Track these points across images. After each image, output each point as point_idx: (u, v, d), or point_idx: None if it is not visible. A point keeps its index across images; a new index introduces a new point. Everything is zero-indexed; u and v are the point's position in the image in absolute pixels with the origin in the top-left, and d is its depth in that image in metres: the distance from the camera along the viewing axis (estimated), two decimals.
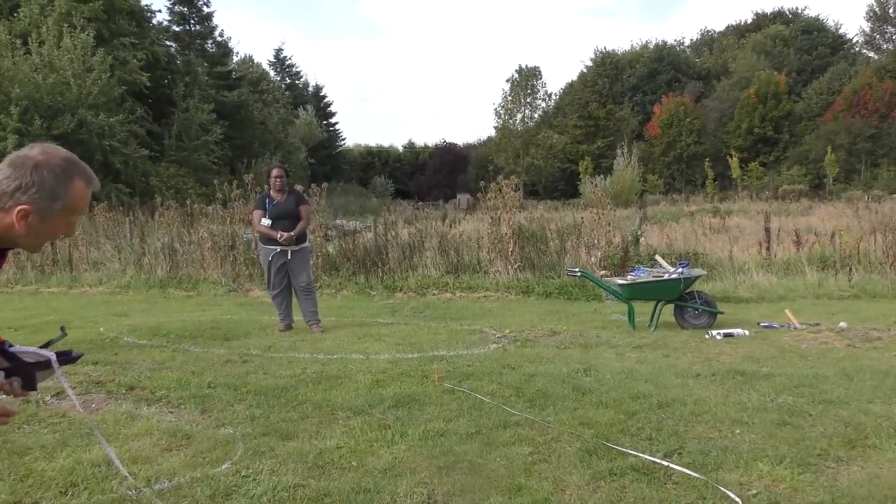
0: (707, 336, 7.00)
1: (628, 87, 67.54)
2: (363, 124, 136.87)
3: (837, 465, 3.53)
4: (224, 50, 48.83)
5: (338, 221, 17.36)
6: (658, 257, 9.07)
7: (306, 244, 8.10)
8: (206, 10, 47.12)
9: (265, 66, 62.65)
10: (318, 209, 12.59)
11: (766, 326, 7.57)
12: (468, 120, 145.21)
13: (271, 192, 7.89)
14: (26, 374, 2.04)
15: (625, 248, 11.48)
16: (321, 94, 69.76)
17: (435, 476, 3.47)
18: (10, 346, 2.05)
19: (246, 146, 43.96)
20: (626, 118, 62.92)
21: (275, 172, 7.94)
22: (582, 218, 12.77)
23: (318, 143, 59.38)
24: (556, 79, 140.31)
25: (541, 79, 65.16)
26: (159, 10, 40.24)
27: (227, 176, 32.02)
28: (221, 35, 49.04)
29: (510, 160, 60.23)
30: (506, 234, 11.76)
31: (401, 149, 77.84)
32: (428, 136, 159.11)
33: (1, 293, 12.74)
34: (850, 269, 10.80)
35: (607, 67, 68.47)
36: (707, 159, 53.02)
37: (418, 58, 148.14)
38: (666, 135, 58.13)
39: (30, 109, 25.48)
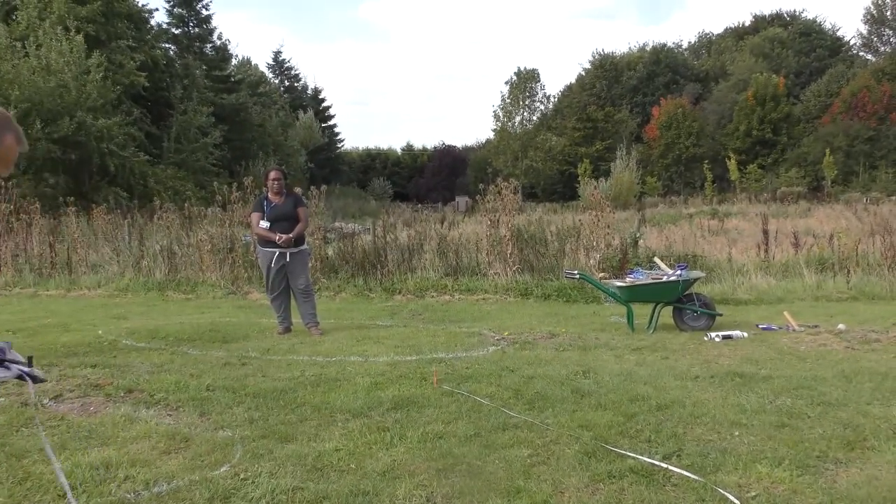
0: (706, 338, 7.00)
1: (627, 90, 67.64)
2: (362, 127, 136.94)
3: (836, 466, 3.53)
4: (223, 53, 48.86)
5: (336, 224, 17.37)
6: (657, 259, 9.08)
7: (305, 246, 8.11)
8: (204, 13, 47.19)
9: (264, 69, 62.67)
10: (317, 211, 12.59)
11: (764, 328, 7.58)
12: (467, 122, 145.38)
13: (269, 195, 7.89)
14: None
15: (623, 251, 11.48)
16: (320, 96, 69.82)
17: (434, 478, 3.46)
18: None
19: (245, 149, 43.99)
20: (625, 120, 63.01)
21: (273, 175, 7.94)
22: (581, 220, 12.78)
23: (317, 145, 59.39)
24: (555, 81, 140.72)
25: (539, 81, 65.22)
26: (156, 10, 40.44)
27: (225, 178, 32.06)
28: (220, 38, 49.15)
29: (509, 162, 60.23)
30: (504, 236, 11.76)
31: (399, 151, 77.93)
32: (427, 138, 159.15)
33: (0, 296, 12.74)
34: (849, 272, 10.81)
35: (606, 70, 68.56)
36: (706, 161, 53.14)
37: (417, 60, 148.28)
38: (664, 137, 58.22)
39: (30, 112, 25.45)
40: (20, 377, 2.19)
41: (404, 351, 6.65)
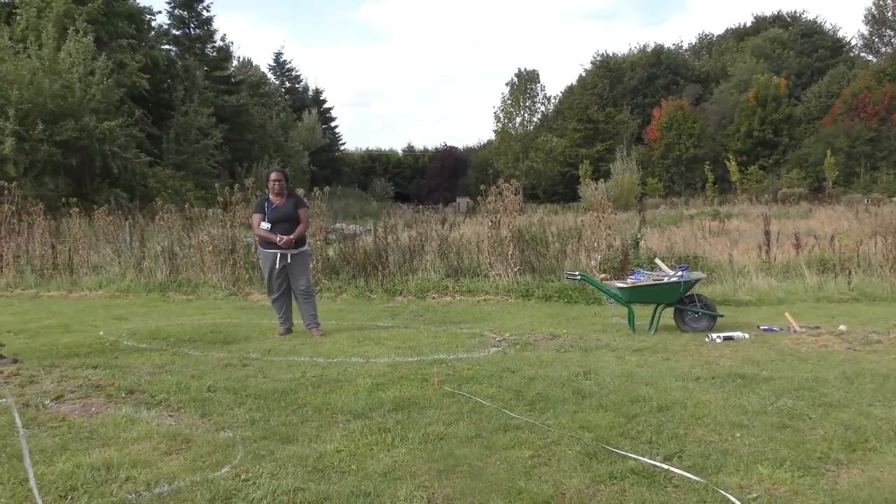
0: (707, 339, 7.00)
1: (627, 90, 67.65)
2: (363, 128, 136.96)
3: (838, 468, 3.53)
4: (224, 54, 48.91)
5: (338, 225, 17.37)
6: (658, 260, 9.07)
7: (306, 248, 8.10)
8: (205, 14, 47.24)
9: (265, 70, 62.73)
10: (319, 213, 12.59)
11: (766, 330, 7.57)
12: (468, 123, 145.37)
13: (270, 196, 7.90)
14: None
15: (625, 252, 11.48)
16: (321, 97, 69.87)
17: (435, 480, 3.47)
18: None
19: (246, 150, 44.03)
20: (626, 121, 63.01)
21: (273, 176, 7.93)
22: (582, 221, 12.77)
23: (318, 147, 59.44)
24: (556, 82, 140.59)
25: (539, 82, 65.23)
26: (159, 12, 40.33)
27: (226, 179, 32.08)
28: (222, 39, 49.20)
29: (510, 164, 60.24)
30: (506, 237, 11.76)
31: (400, 152, 77.95)
32: (428, 139, 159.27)
33: (2, 297, 12.73)
34: (850, 273, 10.80)
35: (609, 70, 68.55)
36: (706, 162, 53.12)
37: (418, 61, 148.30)
38: (665, 138, 58.19)
39: (31, 113, 25.44)
40: None
41: (405, 352, 6.65)
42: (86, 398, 5.07)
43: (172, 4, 45.99)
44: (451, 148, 74.63)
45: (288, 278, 7.87)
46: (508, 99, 64.38)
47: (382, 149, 77.83)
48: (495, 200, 11.98)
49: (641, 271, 8.44)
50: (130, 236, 15.11)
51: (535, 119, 65.65)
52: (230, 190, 13.40)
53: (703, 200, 44.74)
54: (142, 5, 38.47)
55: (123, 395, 5.12)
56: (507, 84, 66.37)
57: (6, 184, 15.47)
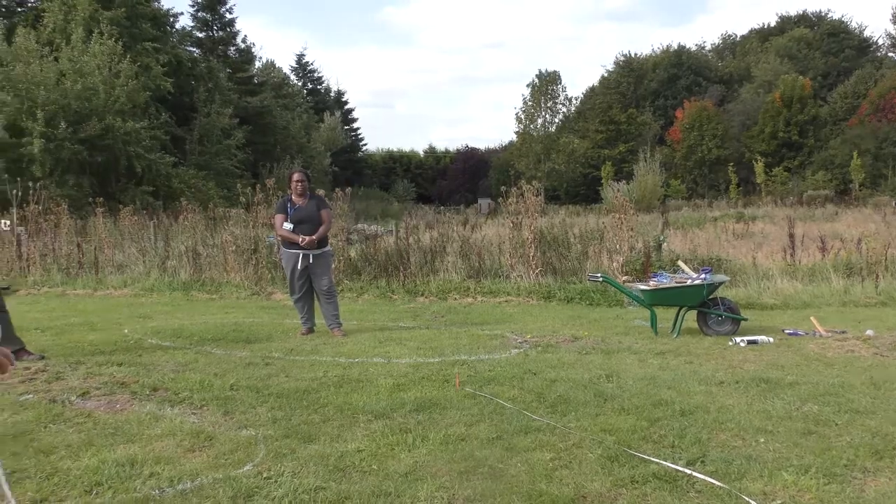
0: (731, 343, 6.93)
1: (649, 91, 67.19)
2: (384, 129, 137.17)
3: (864, 475, 3.47)
4: (246, 56, 49.28)
5: (359, 226, 17.43)
6: (681, 263, 9.00)
7: (328, 248, 8.14)
8: (228, 16, 47.63)
9: (287, 72, 63.09)
10: (341, 213, 12.64)
11: (790, 334, 7.49)
12: (489, 125, 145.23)
13: (293, 197, 7.94)
14: None
15: (647, 254, 11.41)
16: (343, 99, 70.17)
17: (455, 481, 3.46)
18: None
19: (268, 151, 44.32)
20: (648, 123, 62.59)
21: (296, 177, 7.98)
22: (604, 223, 12.71)
23: (340, 148, 59.70)
24: (577, 84, 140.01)
25: (560, 83, 64.99)
26: (181, 13, 40.84)
27: (249, 180, 32.34)
28: (244, 41, 49.56)
29: (531, 165, 60.05)
30: (527, 238, 11.74)
31: (422, 153, 78.03)
32: (449, 141, 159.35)
33: (28, 294, 12.93)
34: (877, 276, 10.64)
35: (630, 71, 68.16)
36: (731, 164, 52.60)
37: (439, 63, 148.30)
38: (687, 139, 57.71)
39: (57, 114, 25.83)
40: None
41: (427, 353, 6.65)
42: (111, 395, 5.13)
43: (195, 7, 46.45)
44: (473, 149, 74.61)
45: (310, 278, 7.91)
46: (529, 100, 64.18)
47: (404, 150, 78.02)
48: (517, 202, 11.96)
49: (664, 274, 8.38)
50: (155, 236, 15.28)
51: (556, 120, 65.42)
52: (253, 190, 13.50)
53: (727, 202, 44.33)
54: (165, 8, 38.90)
55: (148, 393, 5.17)
56: (528, 85, 66.39)
57: (31, 184, 15.73)
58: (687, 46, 71.38)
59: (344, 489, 3.36)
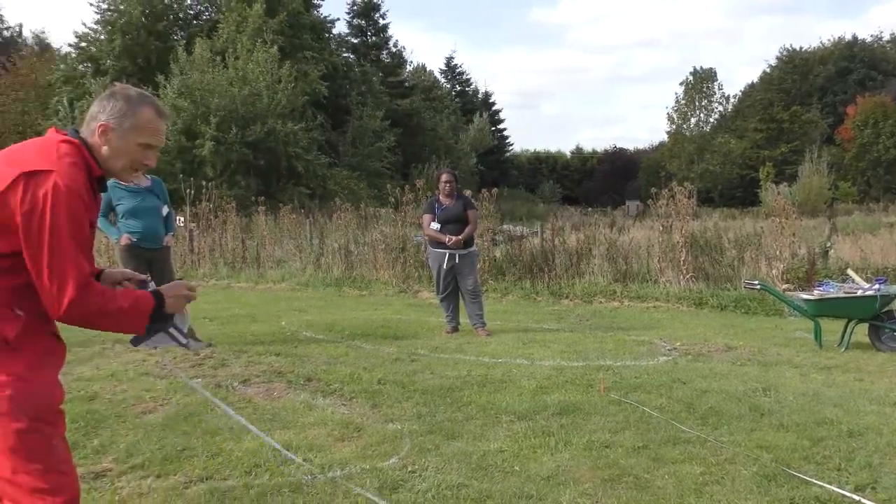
0: None
1: (815, 87, 62.63)
2: (530, 130, 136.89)
3: None
4: (398, 60, 50.77)
5: (505, 226, 17.48)
6: (850, 272, 8.33)
7: (473, 248, 8.22)
8: (381, 22, 49.28)
9: (437, 75, 64.37)
10: (486, 214, 12.73)
11: None
12: (639, 125, 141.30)
13: (440, 197, 8.08)
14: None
15: (811, 261, 10.65)
16: (490, 100, 70.68)
17: (599, 488, 3.39)
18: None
19: (417, 152, 45.45)
20: (814, 121, 58.40)
21: (444, 177, 8.11)
22: (762, 227, 12.01)
23: (486, 148, 60.20)
24: (735, 81, 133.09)
25: (716, 81, 62.16)
26: (338, 19, 42.69)
27: (398, 181, 33.34)
28: (396, 45, 51.07)
29: (683, 166, 57.86)
30: (678, 242, 11.30)
31: (569, 154, 77.15)
32: (597, 141, 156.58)
33: (198, 286, 13.96)
34: None
35: (795, 66, 63.92)
36: None
37: (588, 62, 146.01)
38: (860, 138, 53.29)
39: (226, 119, 27.81)
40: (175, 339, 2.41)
41: (570, 356, 6.56)
42: (269, 383, 5.44)
43: (351, 14, 48.42)
44: (621, 150, 72.88)
45: (456, 278, 8.01)
46: (683, 99, 61.89)
47: (550, 150, 77.48)
48: (667, 204, 11.55)
49: (830, 283, 7.79)
50: (311, 233, 16.07)
51: (711, 119, 62.65)
52: (402, 191, 13.87)
53: None
54: (322, 16, 40.84)
55: (302, 383, 5.44)
56: (681, 84, 63.87)
57: (204, 184, 17.02)
58: (861, 38, 66.00)
59: (486, 488, 3.37)
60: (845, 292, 7.22)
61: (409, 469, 3.63)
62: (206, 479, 3.50)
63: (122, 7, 34.57)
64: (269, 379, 5.55)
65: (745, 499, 3.25)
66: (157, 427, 4.30)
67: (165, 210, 6.93)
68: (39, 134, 2.17)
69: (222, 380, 5.49)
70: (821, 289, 7.49)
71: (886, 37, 71.34)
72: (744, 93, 67.69)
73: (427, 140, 47.55)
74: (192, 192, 16.71)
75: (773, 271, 10.67)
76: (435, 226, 7.94)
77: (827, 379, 5.66)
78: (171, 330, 2.37)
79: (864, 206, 43.04)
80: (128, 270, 2.49)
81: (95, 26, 35.64)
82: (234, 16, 34.45)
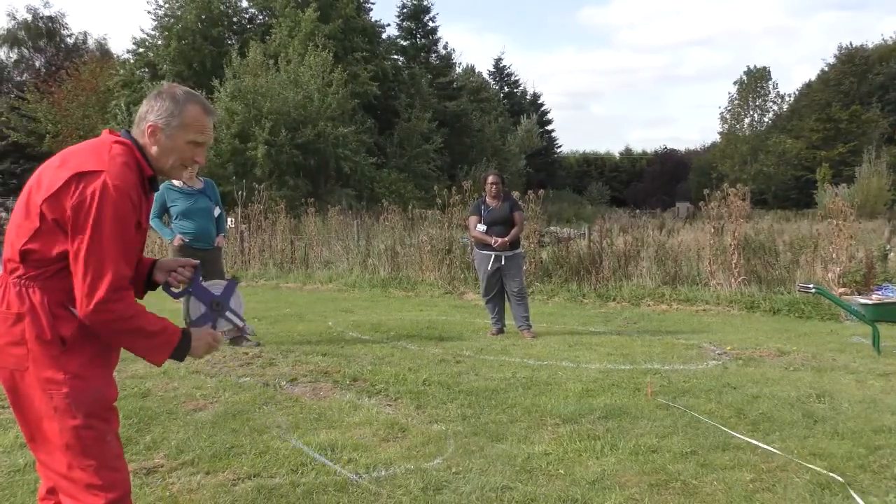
0: None
1: (876, 86, 60.64)
2: (579, 131, 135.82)
3: None
4: (446, 61, 50.86)
5: (552, 228, 17.38)
6: None
7: (519, 250, 8.19)
8: (431, 24, 49.43)
9: (485, 76, 64.30)
10: (533, 215, 12.67)
11: None
12: (690, 125, 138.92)
13: (487, 199, 8.07)
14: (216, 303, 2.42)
15: (870, 265, 10.31)
16: (539, 101, 70.32)
17: (646, 493, 3.34)
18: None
19: (464, 153, 45.45)
20: (875, 120, 56.54)
21: (491, 179, 8.10)
22: (818, 230, 11.69)
23: (534, 150, 59.92)
24: (792, 80, 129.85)
25: (771, 80, 60.66)
26: (388, 24, 42.88)
27: (445, 182, 33.42)
28: (445, 48, 51.19)
29: (736, 167, 56.66)
30: (729, 245, 11.07)
31: (617, 155, 76.29)
32: (647, 142, 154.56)
33: (248, 286, 14.22)
34: None
35: (855, 65, 62.00)
36: None
37: (638, 62, 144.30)
38: None
39: (278, 122, 28.24)
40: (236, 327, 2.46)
41: (617, 359, 6.49)
42: (315, 382, 5.51)
43: (401, 17, 48.69)
44: (672, 150, 71.74)
45: (501, 280, 7.99)
46: (736, 98, 60.61)
47: (599, 152, 76.72)
48: (719, 206, 11.33)
49: (890, 287, 7.55)
50: (358, 235, 16.21)
51: (765, 119, 61.20)
52: (448, 192, 13.89)
53: None
54: (374, 19, 41.20)
55: (348, 382, 5.49)
56: (734, 83, 62.63)
57: (256, 185, 17.31)
58: None
59: (530, 491, 3.35)
60: None
61: (454, 470, 3.63)
62: (254, 477, 3.56)
63: (178, 13, 35.41)
64: (316, 378, 5.62)
65: None
66: (207, 424, 4.39)
67: (217, 211, 7.08)
68: (98, 136, 2.23)
69: (270, 379, 5.58)
70: (879, 293, 7.28)
71: None
72: (800, 92, 65.96)
73: (474, 141, 47.49)
74: (244, 193, 17.00)
75: (830, 275, 10.36)
76: (481, 227, 7.94)
77: (885, 385, 5.48)
78: (229, 314, 2.42)
79: None
80: (180, 258, 2.54)
81: (153, 32, 36.59)
82: (288, 21, 34.99)
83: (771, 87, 61.23)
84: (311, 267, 15.47)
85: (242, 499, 3.31)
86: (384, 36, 43.77)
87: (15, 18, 48.13)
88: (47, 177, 2.08)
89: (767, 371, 5.99)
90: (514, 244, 7.96)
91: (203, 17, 35.66)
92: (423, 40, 49.68)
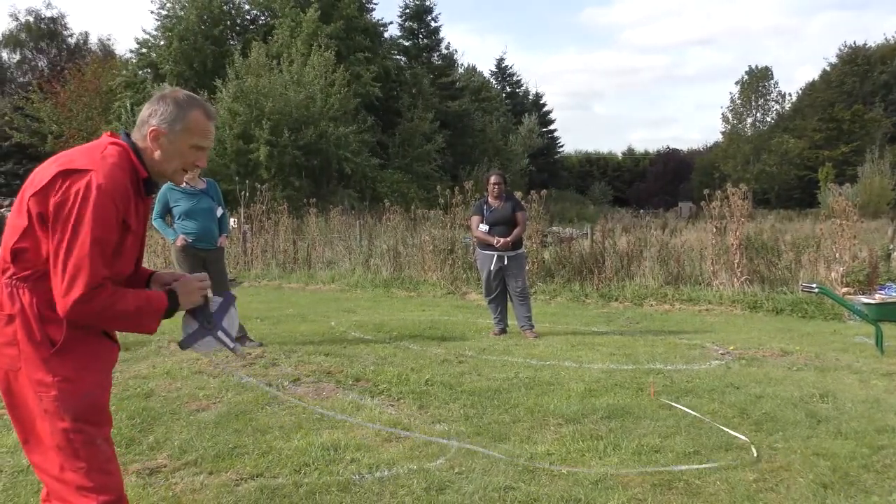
0: None
1: (879, 85, 60.52)
2: (581, 131, 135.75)
3: None
4: (449, 62, 50.82)
5: (554, 228, 17.36)
6: None
7: (522, 250, 8.18)
8: (433, 24, 49.41)
9: (487, 76, 64.26)
10: (536, 215, 12.67)
11: None
12: (692, 125, 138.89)
13: (489, 199, 8.07)
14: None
15: (873, 264, 10.30)
16: (541, 101, 70.27)
17: (649, 493, 3.34)
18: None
19: (466, 153, 45.43)
20: (877, 120, 56.44)
21: (493, 179, 8.09)
22: (821, 229, 11.68)
23: (536, 150, 59.89)
24: (795, 79, 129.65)
25: (773, 79, 60.61)
26: (391, 23, 42.76)
27: (448, 182, 33.42)
28: (447, 48, 51.14)
29: (738, 167, 56.61)
30: (732, 244, 11.06)
31: (620, 155, 76.23)
32: (649, 142, 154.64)
33: (250, 286, 14.23)
34: None
35: (857, 64, 61.89)
36: None
37: (641, 63, 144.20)
38: None
39: (280, 123, 28.24)
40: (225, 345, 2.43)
41: (620, 359, 6.48)
42: (318, 382, 5.51)
43: (403, 17, 48.68)
44: (674, 150, 71.66)
45: (504, 280, 7.99)
46: (738, 98, 60.56)
47: (601, 152, 76.68)
48: (721, 205, 11.32)
49: (894, 286, 7.54)
50: (360, 235, 16.21)
51: (768, 119, 61.13)
52: (451, 192, 13.89)
53: None
54: (376, 19, 41.18)
55: (350, 383, 5.49)
56: (736, 83, 62.52)
57: (258, 186, 17.32)
58: None
59: (533, 491, 3.35)
60: None
61: (456, 471, 3.63)
62: (257, 477, 3.57)
63: (180, 13, 35.45)
64: (319, 379, 5.62)
65: None
66: (210, 424, 4.39)
67: (220, 212, 7.09)
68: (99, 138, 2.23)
69: (273, 379, 5.58)
70: (883, 292, 7.27)
71: None
72: (803, 91, 65.86)
73: (477, 141, 47.46)
74: (247, 194, 17.01)
75: (833, 274, 10.35)
76: (483, 227, 7.93)
77: (889, 385, 5.47)
78: (220, 334, 2.40)
79: None
80: (177, 272, 2.54)
81: (155, 32, 36.64)
82: (289, 21, 35.01)
83: (773, 86, 61.16)
84: (313, 267, 15.48)
85: (245, 499, 3.31)
86: (386, 35, 43.78)
87: (17, 20, 48.29)
88: (38, 174, 2.09)
89: (770, 371, 5.98)
90: (517, 244, 7.96)
91: (204, 17, 35.68)
92: (426, 40, 49.64)
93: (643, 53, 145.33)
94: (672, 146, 73.92)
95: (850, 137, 55.23)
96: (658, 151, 72.30)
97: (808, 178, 53.08)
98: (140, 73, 36.66)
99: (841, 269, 10.30)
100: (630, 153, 75.94)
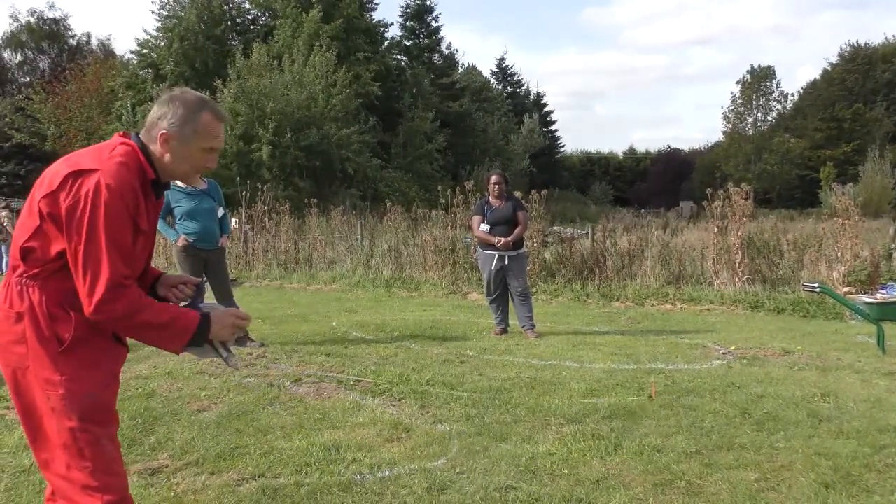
0: None
1: (881, 84, 60.44)
2: (582, 131, 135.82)
3: None
4: (449, 62, 50.82)
5: (555, 228, 17.34)
6: None
7: (523, 250, 8.18)
8: (434, 24, 49.41)
9: (488, 76, 64.26)
10: (537, 215, 12.66)
11: None
12: (694, 125, 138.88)
13: (490, 199, 8.06)
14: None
15: (874, 264, 10.29)
16: (542, 101, 70.26)
17: (650, 493, 3.33)
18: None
19: (468, 153, 45.43)
20: (879, 119, 56.39)
21: (494, 179, 8.09)
22: (822, 229, 11.67)
23: (537, 150, 59.87)
24: (796, 79, 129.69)
25: (775, 78, 60.60)
26: (391, 24, 42.67)
27: (449, 182, 33.40)
28: (448, 48, 51.14)
29: (740, 166, 56.59)
30: (733, 244, 11.05)
31: (621, 155, 76.22)
32: (650, 142, 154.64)
33: (252, 287, 14.23)
34: None
35: (858, 64, 61.80)
36: None
37: (642, 63, 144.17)
38: None
39: (282, 123, 28.25)
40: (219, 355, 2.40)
41: (621, 359, 6.48)
42: (319, 382, 5.51)
43: (404, 17, 48.69)
44: (675, 150, 71.66)
45: (505, 279, 7.99)
46: (739, 98, 60.54)
47: (602, 151, 76.67)
48: (722, 205, 11.31)
49: (894, 286, 7.53)
50: (361, 235, 16.21)
51: (769, 118, 61.11)
52: (452, 192, 13.88)
53: None
54: (377, 19, 41.20)
55: (352, 383, 5.49)
56: (737, 82, 62.51)
57: (259, 186, 17.32)
58: None
59: (535, 491, 3.35)
60: None
61: (458, 470, 3.63)
62: (259, 477, 3.57)
63: (181, 14, 35.47)
64: (320, 379, 5.62)
65: None
66: (212, 425, 4.40)
67: (221, 212, 7.10)
68: (103, 138, 2.23)
69: (274, 379, 5.59)
70: (884, 292, 7.26)
71: None
72: (804, 91, 65.81)
73: (478, 141, 47.46)
74: (248, 194, 17.01)
75: (834, 274, 10.35)
76: (484, 227, 7.93)
77: (890, 385, 5.46)
78: (216, 343, 2.39)
79: None
80: (183, 275, 2.54)
81: (156, 33, 36.64)
82: (290, 21, 35.02)
83: (774, 86, 61.16)
84: (314, 267, 15.48)
85: (247, 499, 3.31)
86: (387, 35, 43.79)
87: (18, 20, 48.32)
88: (49, 175, 2.10)
89: (772, 370, 5.98)
90: (518, 244, 7.95)
91: (204, 17, 35.69)
92: (427, 40, 49.64)
93: (643, 53, 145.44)
94: (673, 146, 74.04)
95: (851, 137, 55.22)
96: (659, 151, 72.34)
97: (809, 178, 53.08)
98: (141, 73, 36.68)
99: (842, 268, 10.29)
100: (631, 153, 75.94)
